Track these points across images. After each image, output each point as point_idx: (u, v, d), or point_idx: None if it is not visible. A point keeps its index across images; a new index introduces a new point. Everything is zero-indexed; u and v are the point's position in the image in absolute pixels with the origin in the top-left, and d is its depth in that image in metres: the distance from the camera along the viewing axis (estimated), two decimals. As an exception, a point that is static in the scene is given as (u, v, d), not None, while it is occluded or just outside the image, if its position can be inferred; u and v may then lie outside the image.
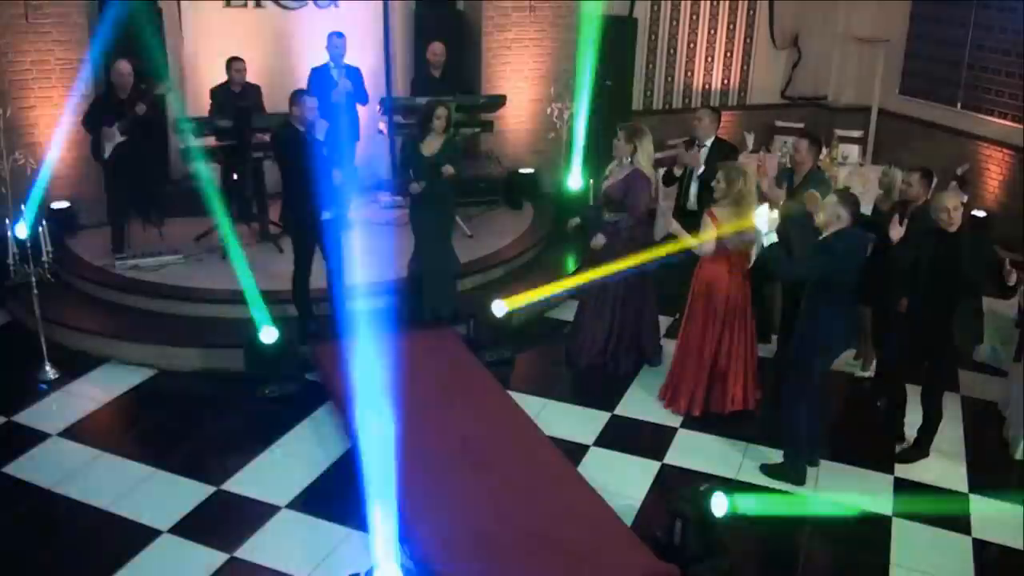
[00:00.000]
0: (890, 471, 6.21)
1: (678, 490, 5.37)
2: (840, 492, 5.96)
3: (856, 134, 11.46)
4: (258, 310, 6.98)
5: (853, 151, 10.96)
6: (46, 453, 6.22)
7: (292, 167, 7.13)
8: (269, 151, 8.74)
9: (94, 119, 8.06)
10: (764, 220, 5.89)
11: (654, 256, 6.95)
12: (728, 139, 8.73)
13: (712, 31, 12.04)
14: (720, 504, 5.08)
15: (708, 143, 7.66)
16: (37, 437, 6.37)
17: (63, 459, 6.14)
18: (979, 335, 6.43)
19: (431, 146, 7.47)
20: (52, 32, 8.52)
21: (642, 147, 6.98)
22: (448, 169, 7.40)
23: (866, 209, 7.28)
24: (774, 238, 5.89)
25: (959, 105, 10.94)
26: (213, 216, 8.00)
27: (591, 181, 9.49)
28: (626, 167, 7.00)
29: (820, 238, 5.81)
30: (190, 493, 5.81)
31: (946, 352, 6.20)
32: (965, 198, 9.09)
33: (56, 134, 8.66)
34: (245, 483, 5.94)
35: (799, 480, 6.01)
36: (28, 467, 6.04)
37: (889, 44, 11.72)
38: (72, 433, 6.44)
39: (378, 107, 9.34)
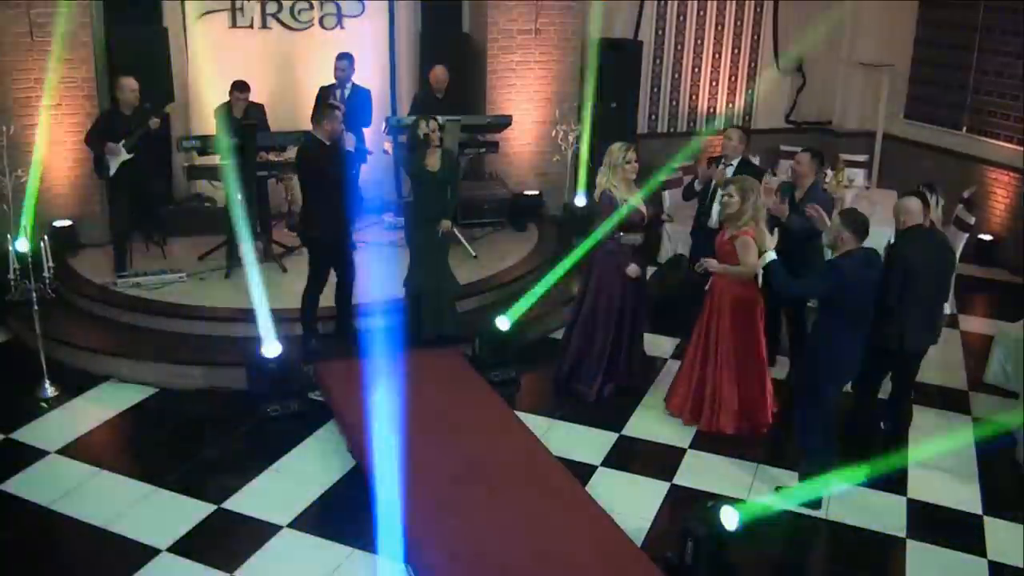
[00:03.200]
0: (903, 493, 6.11)
1: (691, 508, 5.28)
2: (853, 514, 5.86)
3: (861, 158, 11.44)
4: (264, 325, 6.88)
5: (858, 175, 10.93)
6: (44, 471, 6.12)
7: (320, 181, 7.06)
8: (273, 170, 8.76)
9: (98, 136, 8.02)
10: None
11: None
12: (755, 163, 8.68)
13: (716, 55, 12.06)
14: (730, 518, 4.98)
15: (735, 163, 7.62)
16: (36, 454, 6.27)
17: (62, 477, 6.04)
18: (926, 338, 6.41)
19: (432, 162, 7.41)
20: (57, 50, 8.47)
21: None
22: (446, 224, 7.42)
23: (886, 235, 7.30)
24: (772, 255, 5.84)
25: (964, 129, 10.94)
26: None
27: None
28: (633, 186, 6.95)
29: (829, 259, 5.74)
30: (190, 512, 5.70)
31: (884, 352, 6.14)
32: (972, 220, 9.08)
33: (59, 151, 8.65)
34: (246, 502, 5.83)
35: (814, 504, 5.90)
36: (26, 485, 5.93)
37: (893, 69, 11.74)
38: (71, 451, 6.34)
39: (383, 127, 9.31)
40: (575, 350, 7.22)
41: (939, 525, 5.82)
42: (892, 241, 6.50)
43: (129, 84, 8.06)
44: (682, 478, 6.20)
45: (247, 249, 7.52)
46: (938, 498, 6.09)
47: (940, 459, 6.48)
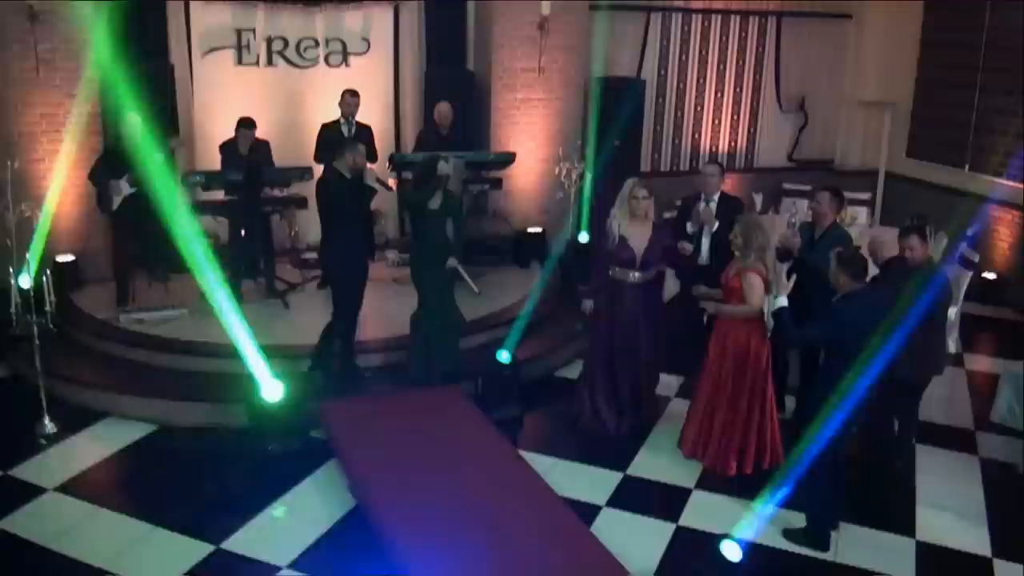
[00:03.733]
0: (912, 534, 6.03)
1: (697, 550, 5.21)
2: (862, 556, 5.77)
3: (864, 196, 11.46)
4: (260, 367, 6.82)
5: (861, 213, 10.95)
6: (42, 508, 6.04)
7: (344, 214, 7.08)
8: (278, 206, 8.76)
9: (103, 172, 8.02)
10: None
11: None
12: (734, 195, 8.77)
13: (719, 94, 12.11)
14: (732, 551, 4.91)
15: (715, 198, 7.63)
16: (34, 491, 6.19)
17: (59, 515, 5.96)
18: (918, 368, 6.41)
19: (436, 200, 7.40)
20: (63, 86, 8.55)
21: (653, 201, 6.96)
22: (452, 262, 7.43)
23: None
24: (783, 302, 5.81)
25: (967, 167, 10.96)
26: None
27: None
28: (647, 223, 6.93)
29: (833, 300, 5.70)
30: (189, 551, 5.61)
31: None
32: (976, 258, 9.07)
33: (63, 186, 8.65)
34: (246, 542, 5.75)
35: (823, 546, 5.81)
36: (23, 522, 5.85)
37: (895, 107, 11.80)
38: (69, 488, 6.26)
39: (388, 164, 9.32)
40: (586, 387, 7.22)
41: (948, 567, 5.74)
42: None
43: (136, 120, 8.07)
44: (688, 519, 6.12)
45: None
46: (947, 540, 6.00)
47: (948, 500, 6.43)
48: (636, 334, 7.04)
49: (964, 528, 6.14)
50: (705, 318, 6.99)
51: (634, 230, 6.89)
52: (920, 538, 6.01)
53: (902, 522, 6.16)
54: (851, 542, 5.90)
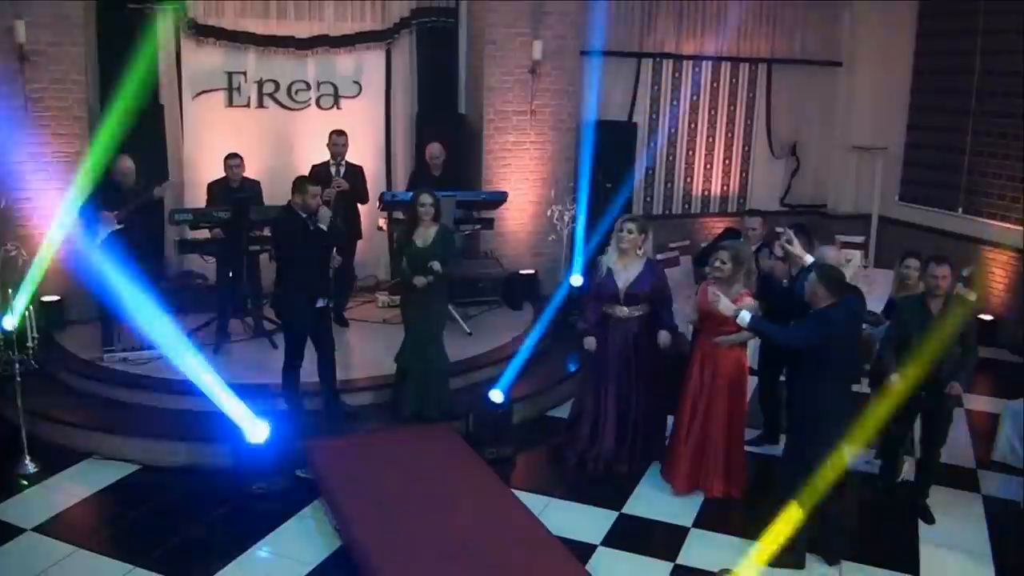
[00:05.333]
0: (915, 573, 5.86)
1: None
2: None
3: (858, 240, 11.43)
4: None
5: (855, 255, 10.89)
6: (19, 549, 5.84)
7: (289, 253, 7.01)
8: (266, 245, 8.65)
9: (92, 209, 7.92)
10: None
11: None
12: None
13: (710, 138, 12.12)
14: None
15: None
16: (11, 532, 6.01)
17: (36, 555, 5.76)
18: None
19: (424, 236, 7.32)
20: (51, 125, 8.50)
21: (649, 237, 6.92)
22: (420, 280, 7.24)
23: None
24: (747, 314, 5.86)
25: (960, 210, 10.93)
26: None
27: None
28: (637, 259, 6.86)
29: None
30: (171, 593, 5.44)
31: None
32: (974, 297, 8.97)
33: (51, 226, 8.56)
34: (229, 583, 5.56)
35: (799, 563, 5.72)
36: (0, 563, 5.66)
37: (887, 152, 11.81)
38: (48, 529, 6.08)
39: (378, 204, 9.26)
40: (586, 426, 7.12)
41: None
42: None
43: (123, 166, 7.99)
44: (685, 557, 5.95)
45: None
46: (952, 578, 5.85)
47: (952, 538, 6.28)
48: (628, 371, 6.94)
49: (969, 567, 5.99)
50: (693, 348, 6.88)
51: (621, 265, 6.83)
52: (925, 577, 5.85)
53: (905, 561, 6.00)
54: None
